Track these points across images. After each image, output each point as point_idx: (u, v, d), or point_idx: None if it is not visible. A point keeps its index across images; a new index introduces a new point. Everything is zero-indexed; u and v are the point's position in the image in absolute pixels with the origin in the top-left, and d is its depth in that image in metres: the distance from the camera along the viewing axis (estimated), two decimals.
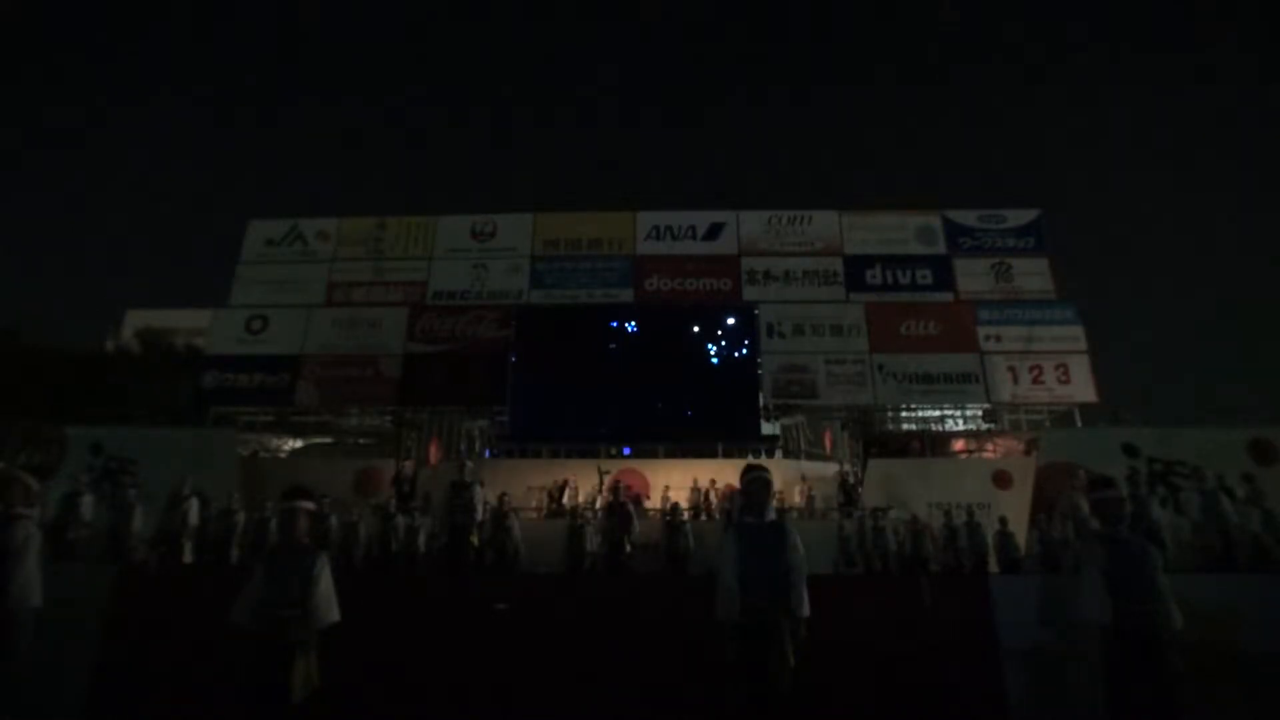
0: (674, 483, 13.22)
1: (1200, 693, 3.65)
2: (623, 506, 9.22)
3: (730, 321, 15.77)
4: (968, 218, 17.02)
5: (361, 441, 16.44)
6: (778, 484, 8.97)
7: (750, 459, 12.70)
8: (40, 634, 3.87)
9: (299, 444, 16.95)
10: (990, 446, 15.79)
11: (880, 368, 15.27)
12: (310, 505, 3.82)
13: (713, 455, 14.44)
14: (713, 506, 12.66)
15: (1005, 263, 16.47)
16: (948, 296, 16.21)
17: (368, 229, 17.25)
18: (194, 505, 9.58)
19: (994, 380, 15.09)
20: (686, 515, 10.79)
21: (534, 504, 13.29)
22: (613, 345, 15.68)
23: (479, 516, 8.26)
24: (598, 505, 11.91)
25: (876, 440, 15.56)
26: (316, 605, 3.50)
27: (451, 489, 8.21)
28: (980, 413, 15.98)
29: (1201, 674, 3.62)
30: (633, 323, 15.88)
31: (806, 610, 3.46)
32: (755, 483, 3.74)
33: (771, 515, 3.77)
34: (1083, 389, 15.03)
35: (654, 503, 13.04)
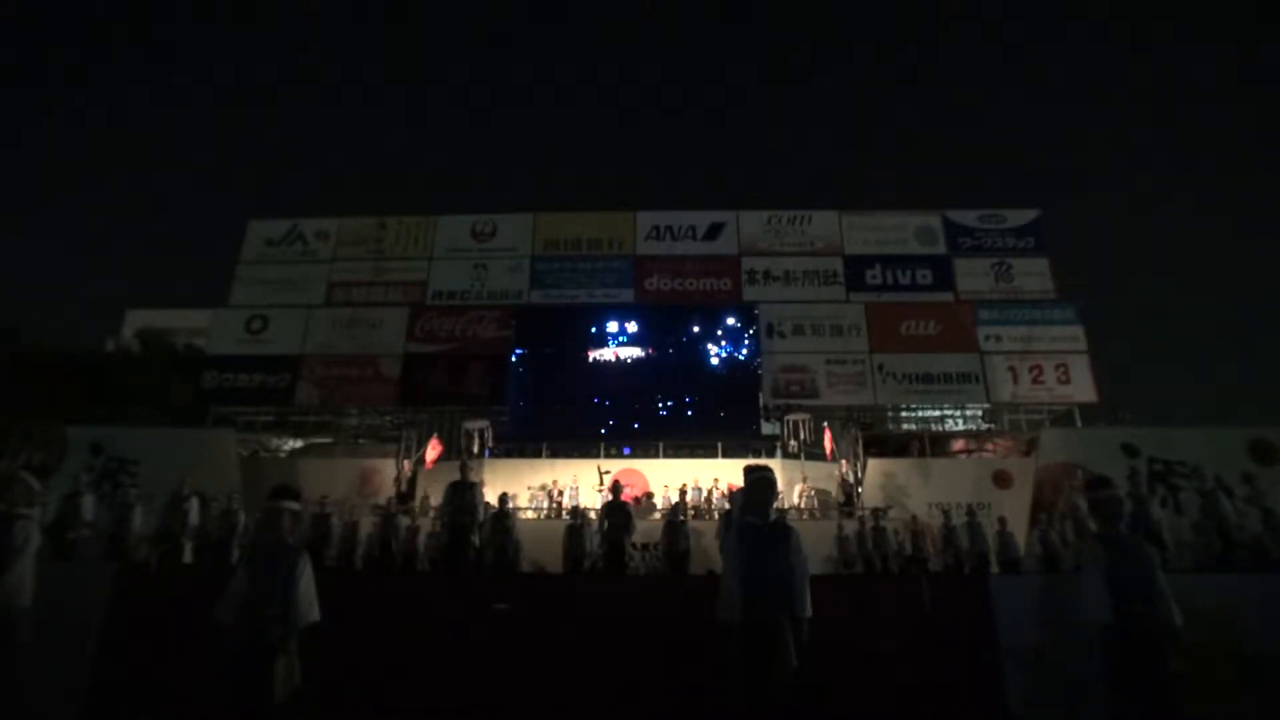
0: (674, 483, 13.24)
1: (1200, 693, 3.65)
2: (623, 506, 9.20)
3: (730, 321, 15.77)
4: (968, 218, 17.00)
5: (361, 441, 16.42)
6: (778, 484, 8.97)
7: (750, 459, 12.70)
8: (40, 634, 3.87)
9: (299, 444, 16.92)
10: (990, 446, 15.78)
11: (880, 368, 15.26)
12: (295, 505, 3.80)
13: (713, 455, 14.44)
14: (713, 506, 12.66)
15: (1005, 263, 16.43)
16: (948, 296, 16.19)
17: (368, 229, 17.20)
18: (194, 505, 9.57)
19: (994, 380, 15.07)
20: (687, 515, 10.78)
21: (533, 504, 13.31)
22: (613, 345, 15.69)
23: (480, 517, 8.25)
24: (598, 505, 11.90)
25: (876, 440, 15.55)
26: (297, 604, 3.51)
27: (452, 489, 8.18)
28: (980, 413, 15.99)
29: (1201, 674, 3.61)
30: (633, 323, 15.89)
31: (809, 611, 3.46)
32: (758, 482, 3.73)
33: (773, 516, 3.77)
34: (1083, 389, 15.00)
35: (655, 501, 13.05)
